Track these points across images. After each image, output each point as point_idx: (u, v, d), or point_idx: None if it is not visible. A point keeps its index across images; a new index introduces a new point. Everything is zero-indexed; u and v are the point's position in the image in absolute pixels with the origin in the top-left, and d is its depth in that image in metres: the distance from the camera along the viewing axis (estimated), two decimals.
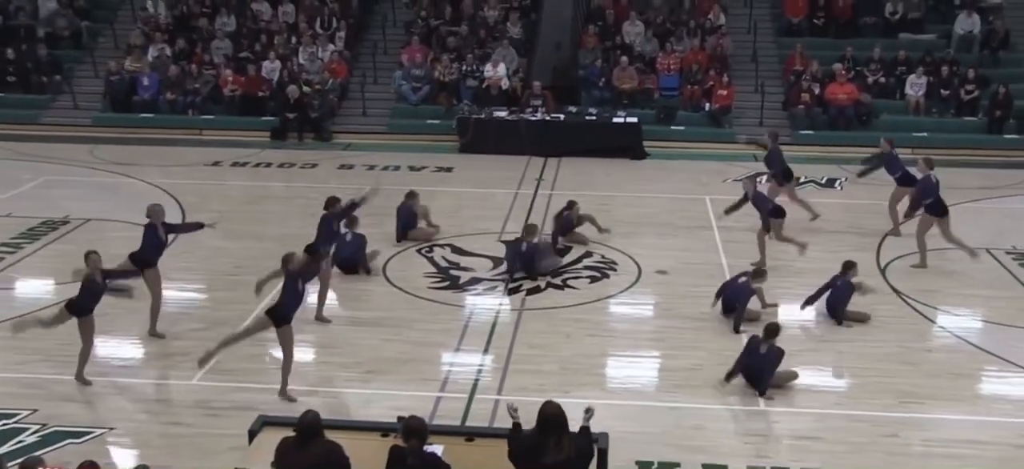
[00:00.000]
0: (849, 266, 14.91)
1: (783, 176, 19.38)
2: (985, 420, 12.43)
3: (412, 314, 15.22)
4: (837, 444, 11.69)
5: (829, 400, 12.91)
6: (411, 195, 18.53)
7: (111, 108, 28.43)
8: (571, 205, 18.42)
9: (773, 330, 12.97)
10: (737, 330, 14.46)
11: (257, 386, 12.81)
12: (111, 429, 11.81)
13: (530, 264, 16.50)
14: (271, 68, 28.56)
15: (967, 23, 29.49)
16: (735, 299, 14.80)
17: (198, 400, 12.54)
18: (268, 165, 24.51)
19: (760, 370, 12.71)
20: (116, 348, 13.87)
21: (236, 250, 17.80)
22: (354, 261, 16.48)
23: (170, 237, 14.80)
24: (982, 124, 26.98)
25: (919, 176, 17.43)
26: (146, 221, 14.39)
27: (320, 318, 14.80)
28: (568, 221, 18.21)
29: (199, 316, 15.22)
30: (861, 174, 19.68)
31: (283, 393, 12.47)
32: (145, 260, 14.14)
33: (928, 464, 11.30)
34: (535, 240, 16.88)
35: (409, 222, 18.30)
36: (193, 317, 15.12)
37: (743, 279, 14.96)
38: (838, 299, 14.89)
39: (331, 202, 15.57)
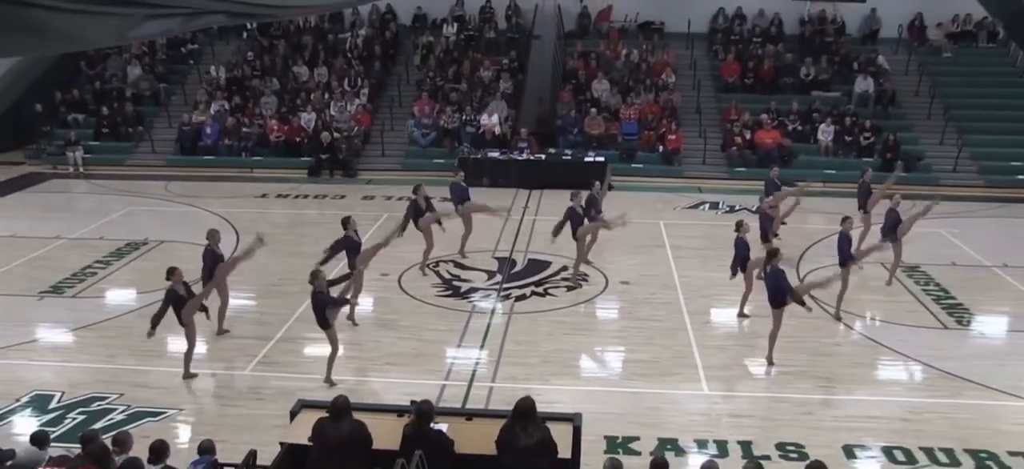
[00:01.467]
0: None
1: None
2: (881, 400, 12.49)
3: (423, 318, 15.20)
4: (766, 420, 11.71)
5: (760, 385, 12.94)
6: (417, 189, 17.75)
7: (181, 152, 28.35)
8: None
9: (772, 253, 13.40)
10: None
11: (297, 375, 12.82)
12: (181, 410, 11.80)
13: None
14: (308, 119, 28.53)
15: (863, 84, 29.57)
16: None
17: (249, 387, 12.53)
18: (305, 197, 24.47)
19: (776, 289, 13.05)
20: (184, 344, 13.81)
21: (279, 266, 17.77)
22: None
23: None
24: (877, 163, 27.02)
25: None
26: (205, 244, 14.44)
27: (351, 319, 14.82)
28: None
29: (250, 319, 15.19)
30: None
31: (327, 379, 12.45)
32: (209, 275, 14.13)
33: (838, 436, 11.30)
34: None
35: (417, 214, 17.58)
36: (245, 320, 15.09)
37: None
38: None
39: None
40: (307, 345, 13.88)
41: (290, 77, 30.71)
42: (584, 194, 17.45)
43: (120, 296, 16.33)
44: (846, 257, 15.07)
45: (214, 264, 14.28)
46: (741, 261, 15.24)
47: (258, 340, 14.03)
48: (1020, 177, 26.72)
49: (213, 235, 14.54)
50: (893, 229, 16.60)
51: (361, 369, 13.15)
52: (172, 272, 12.71)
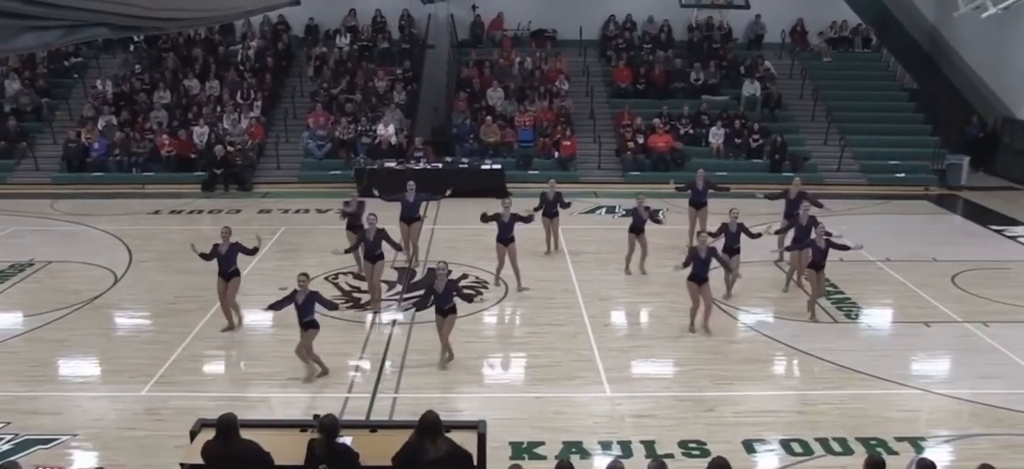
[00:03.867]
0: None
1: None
2: (777, 394, 12.78)
3: (323, 330, 14.87)
4: (668, 419, 11.84)
5: (660, 385, 13.09)
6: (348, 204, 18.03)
7: (68, 169, 27.31)
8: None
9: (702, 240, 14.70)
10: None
11: (196, 394, 12.46)
12: (74, 436, 11.32)
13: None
14: (200, 133, 27.87)
15: (751, 88, 30.34)
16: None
17: (147, 408, 12.11)
18: (200, 212, 23.88)
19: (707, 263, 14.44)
20: (76, 367, 13.34)
21: (174, 283, 17.31)
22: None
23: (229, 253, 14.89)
24: (766, 164, 27.82)
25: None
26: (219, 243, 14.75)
27: None
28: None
29: (146, 338, 14.73)
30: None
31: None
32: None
33: (738, 431, 11.50)
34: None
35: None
36: (140, 340, 14.63)
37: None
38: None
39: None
40: (206, 363, 13.54)
41: (181, 90, 29.96)
42: (509, 202, 17.58)
43: (5, 320, 15.64)
44: (818, 259, 15.42)
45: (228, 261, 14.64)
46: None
47: (155, 360, 13.60)
48: (899, 176, 27.82)
49: (224, 233, 14.89)
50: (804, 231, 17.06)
51: (261, 385, 12.87)
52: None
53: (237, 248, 14.78)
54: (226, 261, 14.73)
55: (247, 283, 17.12)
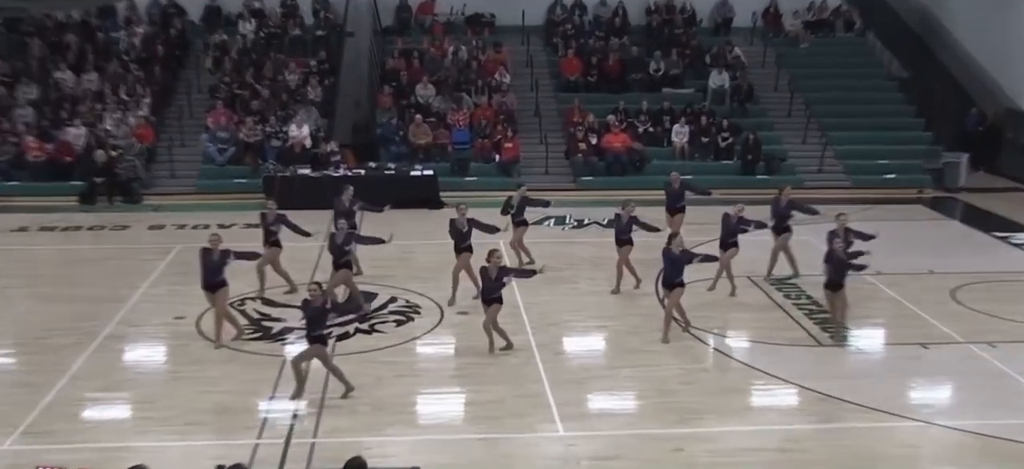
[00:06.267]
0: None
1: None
2: (756, 429, 12.83)
3: (227, 366, 14.72)
4: (631, 461, 11.82)
5: (620, 422, 13.09)
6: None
7: None
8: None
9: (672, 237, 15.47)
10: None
11: (75, 446, 12.15)
12: None
13: None
14: (77, 134, 27.43)
15: (718, 79, 30.68)
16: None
17: (11, 465, 11.76)
18: (78, 228, 23.43)
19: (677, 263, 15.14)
20: None
21: (45, 313, 16.91)
22: None
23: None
24: (738, 166, 28.08)
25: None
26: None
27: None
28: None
29: (10, 381, 14.36)
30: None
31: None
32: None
33: None
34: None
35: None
36: (3, 381, 14.26)
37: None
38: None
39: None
40: (87, 407, 13.24)
41: (51, 84, 29.40)
42: (465, 209, 17.74)
43: None
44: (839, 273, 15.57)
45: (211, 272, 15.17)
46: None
47: (21, 406, 13.22)
48: (888, 176, 28.27)
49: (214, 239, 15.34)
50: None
51: (156, 432, 12.59)
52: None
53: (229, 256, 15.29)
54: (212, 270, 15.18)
55: (135, 312, 16.85)
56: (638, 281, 18.16)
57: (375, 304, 17.39)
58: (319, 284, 13.73)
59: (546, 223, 23.68)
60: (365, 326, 16.35)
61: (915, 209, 26.11)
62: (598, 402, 13.61)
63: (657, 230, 18.06)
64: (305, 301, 13.43)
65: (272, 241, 17.67)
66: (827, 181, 27.94)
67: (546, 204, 20.15)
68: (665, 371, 14.50)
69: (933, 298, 18.02)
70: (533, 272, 16.39)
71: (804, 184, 27.18)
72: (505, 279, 14.92)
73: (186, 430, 12.63)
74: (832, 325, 16.07)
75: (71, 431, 12.66)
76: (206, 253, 15.29)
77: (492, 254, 15.08)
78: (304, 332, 13.68)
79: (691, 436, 12.50)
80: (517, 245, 19.46)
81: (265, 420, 12.97)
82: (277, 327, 16.37)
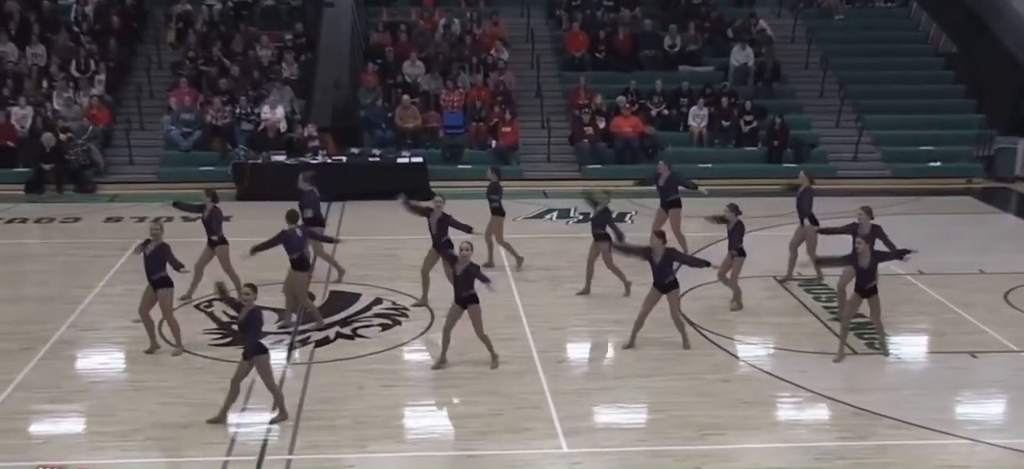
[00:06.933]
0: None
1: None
2: (784, 446, 12.83)
3: (192, 374, 14.75)
4: None
5: (631, 437, 13.11)
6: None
7: None
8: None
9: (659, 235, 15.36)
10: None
11: (21, 463, 12.19)
12: None
13: None
14: (22, 115, 27.51)
15: (742, 56, 30.72)
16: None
17: None
18: (24, 220, 23.53)
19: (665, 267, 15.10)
20: None
21: None
22: None
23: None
24: (762, 153, 28.09)
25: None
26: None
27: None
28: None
29: None
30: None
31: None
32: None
33: None
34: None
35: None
36: None
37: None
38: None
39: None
40: (35, 420, 13.29)
41: None
42: (440, 202, 17.72)
43: None
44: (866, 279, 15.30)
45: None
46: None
47: None
48: (932, 165, 28.30)
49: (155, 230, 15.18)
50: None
51: (112, 448, 12.62)
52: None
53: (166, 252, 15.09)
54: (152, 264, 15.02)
55: (88, 314, 16.89)
56: (627, 285, 18.02)
57: (358, 306, 17.45)
58: (252, 286, 13.13)
59: (547, 216, 23.73)
60: (347, 330, 16.41)
61: (964, 201, 26.18)
62: (605, 415, 13.65)
63: (623, 237, 17.88)
64: (238, 306, 13.40)
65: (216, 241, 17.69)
66: (863, 170, 28.01)
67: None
68: (680, 381, 14.55)
69: (984, 301, 18.06)
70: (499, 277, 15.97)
71: (837, 173, 27.27)
72: (478, 279, 14.65)
73: (147, 446, 12.66)
74: (869, 331, 16.10)
75: (17, 447, 12.68)
76: (144, 245, 15.10)
77: (463, 248, 14.92)
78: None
79: (709, 453, 12.54)
80: (495, 237, 19.56)
81: (235, 436, 13.01)
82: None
